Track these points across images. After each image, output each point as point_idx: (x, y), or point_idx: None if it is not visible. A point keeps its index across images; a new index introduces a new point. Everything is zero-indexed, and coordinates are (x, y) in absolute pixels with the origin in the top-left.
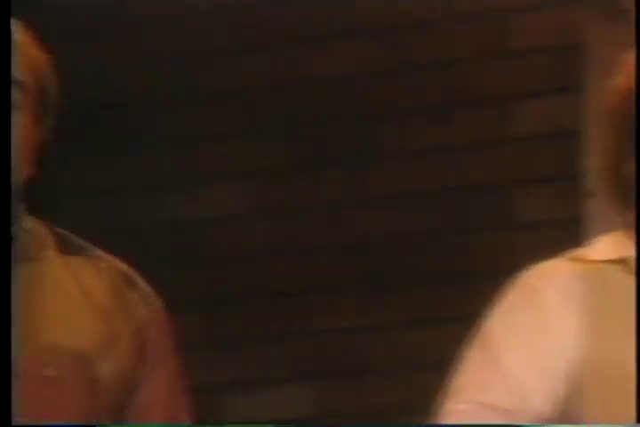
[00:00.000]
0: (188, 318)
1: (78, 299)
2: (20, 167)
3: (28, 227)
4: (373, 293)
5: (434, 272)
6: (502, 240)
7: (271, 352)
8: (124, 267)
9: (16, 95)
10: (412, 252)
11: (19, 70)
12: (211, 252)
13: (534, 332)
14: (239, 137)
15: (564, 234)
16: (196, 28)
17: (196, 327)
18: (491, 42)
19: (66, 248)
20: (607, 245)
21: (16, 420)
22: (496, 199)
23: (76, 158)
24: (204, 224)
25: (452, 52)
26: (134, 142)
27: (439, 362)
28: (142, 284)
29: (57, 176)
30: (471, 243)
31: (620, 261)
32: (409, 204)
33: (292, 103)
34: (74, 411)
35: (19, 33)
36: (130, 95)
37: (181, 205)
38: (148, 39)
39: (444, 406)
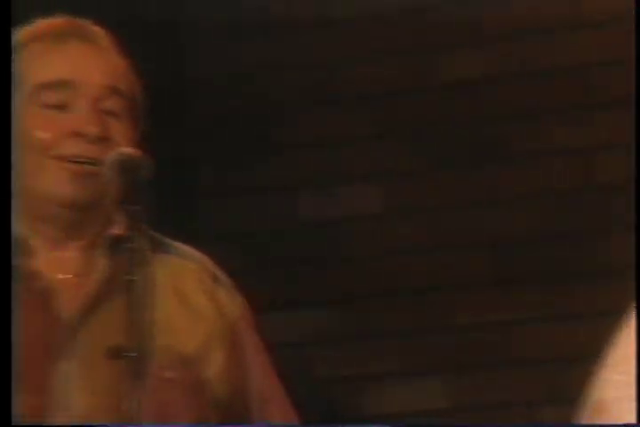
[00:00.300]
0: (330, 313)
1: (177, 301)
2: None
3: (128, 234)
4: (511, 289)
5: (572, 270)
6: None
7: (412, 347)
8: (210, 264)
9: (117, 103)
10: (551, 250)
11: (115, 78)
12: (352, 250)
13: None
14: (380, 139)
15: None
16: (338, 35)
17: (337, 323)
18: (619, 46)
19: (157, 248)
20: None
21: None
22: (630, 199)
23: (218, 159)
24: (344, 224)
25: (581, 55)
26: (277, 143)
27: (574, 357)
28: (226, 280)
29: (198, 177)
30: (607, 242)
31: None
32: (543, 203)
33: (429, 106)
34: (190, 412)
35: (103, 40)
36: (273, 97)
37: (323, 205)
38: (292, 43)
39: (601, 375)
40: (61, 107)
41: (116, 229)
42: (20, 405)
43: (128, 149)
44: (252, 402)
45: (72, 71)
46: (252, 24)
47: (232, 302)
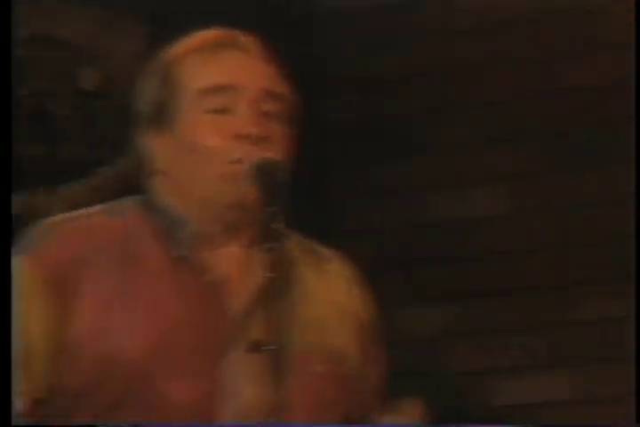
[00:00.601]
0: (460, 309)
1: (325, 300)
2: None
3: (285, 235)
4: (627, 285)
5: None
6: None
7: (535, 341)
8: (346, 266)
9: (273, 105)
10: None
11: (269, 82)
12: (479, 249)
13: None
14: (507, 141)
15: None
16: (470, 42)
17: (467, 318)
18: None
19: (303, 250)
20: None
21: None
22: None
23: (350, 160)
24: (472, 223)
25: None
26: (407, 146)
27: None
28: (359, 279)
29: (331, 177)
30: None
31: None
32: None
33: (555, 109)
34: (338, 405)
35: (254, 47)
36: (404, 101)
37: (451, 205)
38: (426, 48)
39: None
40: (223, 111)
41: (275, 231)
42: (190, 391)
43: (266, 153)
44: (372, 399)
45: (230, 77)
46: (390, 28)
47: (365, 301)
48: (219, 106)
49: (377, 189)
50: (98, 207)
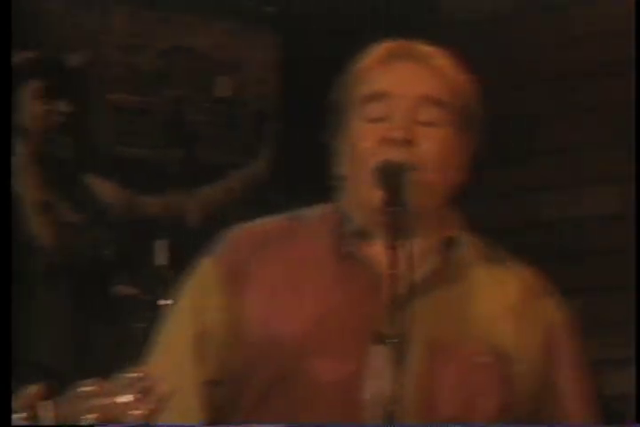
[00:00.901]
0: (574, 302)
1: (495, 300)
2: (443, 175)
3: (458, 236)
4: None
5: None
6: None
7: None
8: (529, 275)
9: (434, 113)
10: None
11: (437, 90)
12: (594, 246)
13: None
14: (618, 143)
15: None
16: (581, 51)
17: (582, 311)
18: None
19: (482, 255)
20: None
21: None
22: None
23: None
24: (587, 222)
25: None
26: (526, 149)
27: None
28: (547, 291)
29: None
30: None
31: None
32: None
33: None
34: (496, 397)
35: (433, 57)
36: (531, 103)
37: (566, 204)
38: (549, 52)
39: None
40: (381, 118)
41: (447, 231)
42: (333, 371)
43: (392, 156)
44: (556, 400)
45: (390, 84)
46: (516, 33)
47: (551, 309)
48: (376, 114)
49: (502, 188)
50: (284, 214)
